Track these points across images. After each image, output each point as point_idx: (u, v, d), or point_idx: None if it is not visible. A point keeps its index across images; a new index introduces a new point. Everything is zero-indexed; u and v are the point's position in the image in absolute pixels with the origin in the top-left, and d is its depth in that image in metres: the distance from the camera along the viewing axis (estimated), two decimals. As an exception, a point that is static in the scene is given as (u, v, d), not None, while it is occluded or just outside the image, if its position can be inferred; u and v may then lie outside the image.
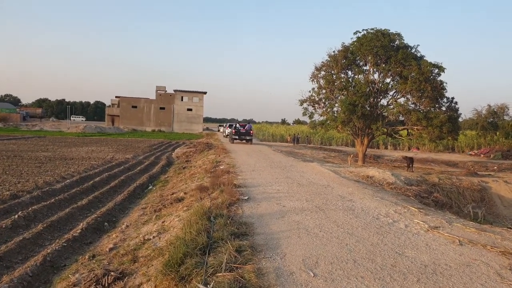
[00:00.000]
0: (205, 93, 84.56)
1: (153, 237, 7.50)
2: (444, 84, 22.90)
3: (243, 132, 35.00)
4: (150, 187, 15.77)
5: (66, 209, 10.90)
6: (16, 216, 9.61)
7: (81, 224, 9.54)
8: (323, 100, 26.75)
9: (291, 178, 12.83)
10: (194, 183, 13.18)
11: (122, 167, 20.04)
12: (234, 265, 4.69)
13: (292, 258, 4.98)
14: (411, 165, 22.95)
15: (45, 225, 9.21)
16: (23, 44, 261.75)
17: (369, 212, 7.91)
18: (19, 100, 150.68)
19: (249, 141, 35.37)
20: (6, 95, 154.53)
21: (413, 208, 8.49)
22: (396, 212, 8.02)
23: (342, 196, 9.62)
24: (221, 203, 8.11)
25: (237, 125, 36.47)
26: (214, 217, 6.89)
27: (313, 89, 27.03)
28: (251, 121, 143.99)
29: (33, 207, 10.65)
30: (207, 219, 6.67)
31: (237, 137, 34.97)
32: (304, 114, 27.32)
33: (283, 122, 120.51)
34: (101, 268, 6.32)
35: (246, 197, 9.05)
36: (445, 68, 22.72)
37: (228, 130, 46.02)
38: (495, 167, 29.57)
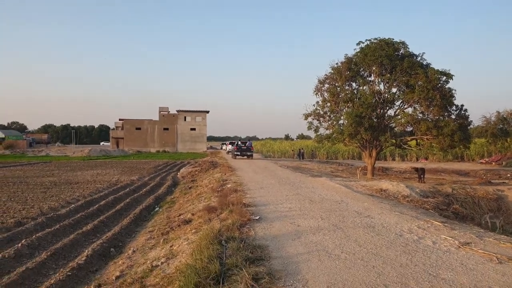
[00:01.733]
0: (207, 112, 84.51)
1: (161, 263, 7.03)
2: (453, 92, 22.41)
3: (244, 148, 38.99)
4: (157, 209, 15.33)
5: (71, 235, 10.46)
6: (20, 244, 9.19)
7: (87, 250, 9.07)
8: (328, 113, 26.28)
9: (302, 194, 12.34)
10: (201, 203, 12.74)
11: (128, 189, 19.66)
12: (252, 296, 4.20)
13: (316, 286, 4.47)
14: (422, 176, 22.37)
15: (49, 253, 8.77)
16: (28, 71, 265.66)
17: (391, 228, 7.40)
18: (25, 127, 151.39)
19: (250, 156, 38.87)
20: (13, 123, 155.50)
21: (436, 222, 7.96)
22: (419, 227, 7.50)
23: (358, 212, 9.11)
24: (231, 224, 7.63)
25: (239, 142, 40.75)
26: (226, 241, 6.40)
27: (317, 102, 26.59)
28: (254, 138, 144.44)
29: (37, 235, 10.23)
30: (218, 243, 6.18)
31: (239, 153, 38.68)
32: (309, 128, 26.84)
33: (287, 137, 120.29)
34: (106, 301, 5.84)
35: (257, 217, 8.56)
36: (453, 75, 22.25)
37: (230, 147, 51.05)
38: (509, 175, 28.85)
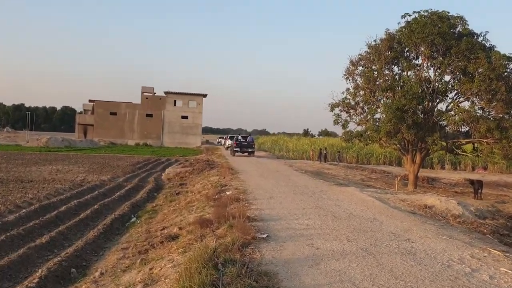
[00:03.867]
0: (205, 95, 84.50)
1: (138, 290, 7.10)
2: (524, 84, 22.31)
3: (245, 144, 42.75)
4: (133, 219, 15.49)
5: (20, 250, 10.55)
6: None
7: (40, 270, 9.19)
8: (361, 104, 26.29)
9: (324, 208, 12.39)
10: (192, 214, 12.83)
11: (96, 192, 19.81)
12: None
13: (338, 327, 4.51)
14: (479, 191, 22.35)
15: (-12, 272, 8.85)
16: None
17: (436, 257, 7.43)
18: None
19: (250, 153, 42.23)
20: None
21: (495, 252, 7.98)
22: (473, 257, 7.52)
23: (395, 234, 9.15)
24: (231, 243, 7.68)
25: (239, 137, 45.01)
26: (223, 264, 6.45)
27: (347, 89, 26.63)
28: (264, 132, 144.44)
29: (-26, 249, 10.32)
30: (213, 267, 6.22)
31: (238, 150, 42.15)
32: (335, 122, 26.84)
33: (306, 133, 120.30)
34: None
35: (264, 235, 8.61)
36: (524, 62, 22.18)
37: (229, 142, 54.36)
38: None
